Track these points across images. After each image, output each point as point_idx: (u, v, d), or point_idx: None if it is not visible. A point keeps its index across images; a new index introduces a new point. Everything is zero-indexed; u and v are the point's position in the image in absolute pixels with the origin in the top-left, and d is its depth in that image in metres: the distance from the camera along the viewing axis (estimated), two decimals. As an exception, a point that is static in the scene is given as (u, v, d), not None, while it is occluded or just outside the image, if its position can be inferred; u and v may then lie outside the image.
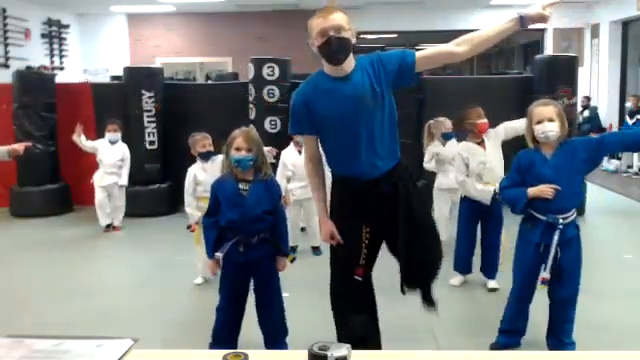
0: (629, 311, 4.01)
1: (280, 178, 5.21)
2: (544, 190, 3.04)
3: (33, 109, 7.17)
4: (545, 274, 3.14)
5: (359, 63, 2.71)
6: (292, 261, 3.29)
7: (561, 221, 3.10)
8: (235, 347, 3.11)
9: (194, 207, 4.47)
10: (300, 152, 5.29)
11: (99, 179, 6.33)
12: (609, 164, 10.27)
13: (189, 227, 4.67)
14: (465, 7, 11.85)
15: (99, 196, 6.37)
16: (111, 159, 6.32)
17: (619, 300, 4.21)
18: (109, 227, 6.43)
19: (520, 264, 3.28)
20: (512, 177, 3.24)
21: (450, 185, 5.03)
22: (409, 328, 3.73)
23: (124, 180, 6.39)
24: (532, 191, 3.08)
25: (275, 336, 3.25)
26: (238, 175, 3.09)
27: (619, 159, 10.24)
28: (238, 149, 3.06)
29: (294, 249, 5.32)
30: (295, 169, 5.27)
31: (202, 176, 4.44)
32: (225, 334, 3.19)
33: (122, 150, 6.38)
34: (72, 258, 5.54)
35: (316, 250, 5.52)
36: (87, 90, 7.76)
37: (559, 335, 3.25)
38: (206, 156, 4.50)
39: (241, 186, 3.07)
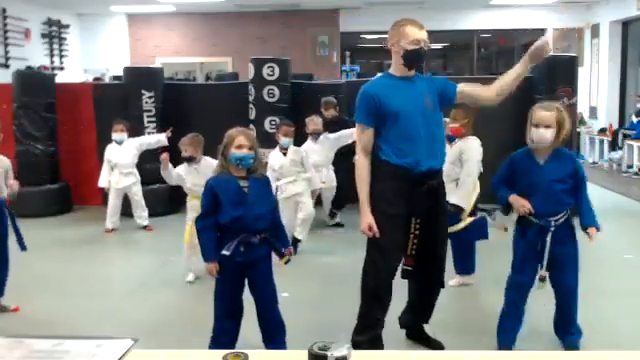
0: (629, 311, 4.01)
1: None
2: (522, 208, 3.20)
3: (33, 109, 7.16)
4: (542, 272, 3.28)
5: (417, 75, 3.20)
6: (286, 263, 3.28)
7: (553, 223, 3.23)
8: (234, 348, 3.12)
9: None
10: (285, 154, 5.40)
11: (116, 181, 6.32)
12: (611, 154, 10.31)
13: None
14: (465, 7, 11.86)
15: (114, 201, 6.36)
16: (125, 159, 6.30)
17: (619, 300, 4.21)
18: (112, 229, 6.44)
19: (515, 262, 3.36)
20: (504, 174, 3.35)
21: None
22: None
23: (154, 136, 6.48)
24: (513, 199, 3.24)
25: (274, 335, 3.26)
26: (234, 174, 3.10)
27: (620, 148, 10.23)
28: (240, 147, 3.07)
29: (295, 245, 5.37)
30: (282, 170, 5.38)
31: (191, 177, 4.58)
32: (225, 336, 3.19)
33: (132, 146, 6.35)
34: (72, 258, 5.54)
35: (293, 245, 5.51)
36: (87, 90, 7.76)
37: (567, 325, 3.40)
38: (187, 160, 4.64)
39: (241, 183, 3.09)
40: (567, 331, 3.40)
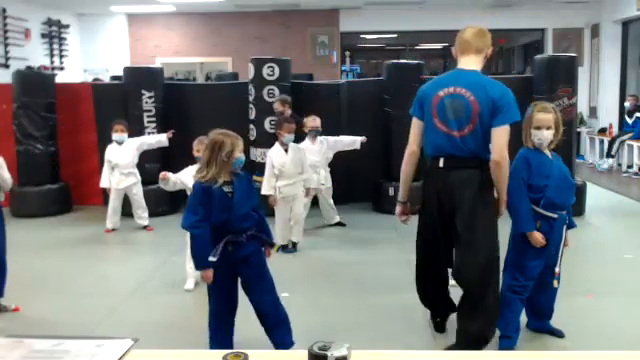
0: (629, 311, 4.01)
1: (269, 177, 5.32)
2: (539, 242, 3.27)
3: (33, 109, 7.16)
4: (557, 268, 3.35)
5: None
6: (277, 250, 3.37)
7: (567, 217, 3.37)
8: (231, 345, 3.14)
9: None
10: (287, 151, 5.38)
11: (116, 182, 6.30)
12: (602, 162, 10.32)
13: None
14: (465, 7, 11.85)
15: (114, 201, 6.35)
16: (125, 159, 6.28)
17: (619, 300, 4.21)
18: (113, 229, 6.44)
19: (526, 262, 3.33)
20: (522, 176, 3.28)
21: None
22: (409, 323, 3.74)
23: (155, 137, 6.59)
24: (534, 236, 3.25)
25: (278, 328, 3.28)
26: (224, 178, 3.11)
27: (612, 157, 10.25)
28: (241, 151, 3.15)
29: (285, 247, 5.42)
30: (283, 168, 5.36)
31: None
32: (222, 334, 3.23)
33: (132, 147, 6.33)
34: (72, 258, 5.54)
35: (293, 247, 5.57)
36: (87, 90, 7.76)
37: (550, 314, 3.54)
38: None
39: (225, 189, 3.11)
40: (547, 323, 3.54)
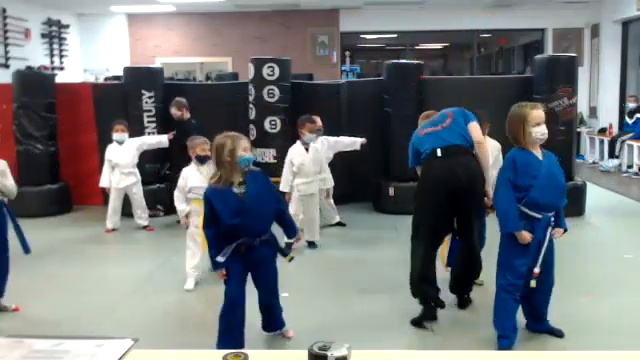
0: (629, 311, 4.01)
1: (287, 175, 5.36)
2: (524, 241, 3.27)
3: (33, 109, 7.16)
4: (537, 269, 3.31)
5: None
6: (290, 260, 3.36)
7: (552, 218, 3.31)
8: (243, 346, 3.17)
9: (182, 201, 4.59)
10: (307, 150, 5.39)
11: (117, 181, 6.30)
12: (608, 162, 10.31)
13: (179, 222, 4.71)
14: (465, 7, 11.86)
15: (114, 201, 6.35)
16: (125, 159, 6.29)
17: (619, 300, 4.20)
18: (113, 229, 6.44)
19: (513, 260, 3.33)
20: (508, 176, 3.29)
21: None
22: (409, 322, 3.74)
23: (155, 137, 6.68)
24: (521, 235, 3.26)
25: (274, 323, 3.50)
26: (233, 179, 3.12)
27: (617, 157, 10.25)
28: (246, 149, 3.18)
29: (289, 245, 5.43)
30: (302, 167, 5.40)
31: (196, 179, 4.47)
32: (233, 335, 3.26)
33: (132, 146, 6.34)
34: (72, 258, 5.54)
35: (311, 245, 5.64)
36: (87, 90, 7.76)
37: (544, 317, 3.52)
38: (203, 160, 4.55)
39: (236, 190, 3.13)
40: (546, 322, 3.54)
